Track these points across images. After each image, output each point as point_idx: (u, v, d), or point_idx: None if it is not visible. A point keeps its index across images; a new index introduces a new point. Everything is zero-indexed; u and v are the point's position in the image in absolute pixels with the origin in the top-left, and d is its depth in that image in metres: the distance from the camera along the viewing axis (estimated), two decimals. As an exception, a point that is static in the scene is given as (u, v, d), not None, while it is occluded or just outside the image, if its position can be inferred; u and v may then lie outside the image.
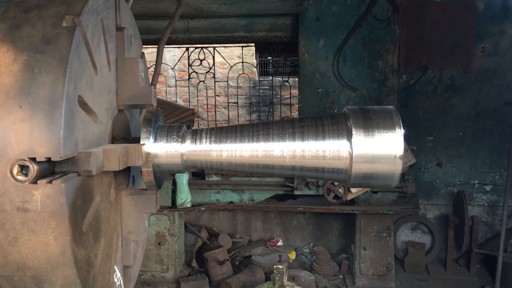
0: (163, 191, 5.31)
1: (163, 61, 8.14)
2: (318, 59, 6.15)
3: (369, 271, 5.35)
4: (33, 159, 1.26)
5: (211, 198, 5.47)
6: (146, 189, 1.83)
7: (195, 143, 1.79)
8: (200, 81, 6.95)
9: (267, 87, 8.48)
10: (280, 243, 6.42)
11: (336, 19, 6.05)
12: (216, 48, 7.30)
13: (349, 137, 1.70)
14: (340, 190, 4.99)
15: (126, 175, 1.91)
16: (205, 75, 6.90)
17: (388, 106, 1.78)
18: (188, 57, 6.85)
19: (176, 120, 5.67)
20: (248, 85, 8.40)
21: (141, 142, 1.71)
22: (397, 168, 1.69)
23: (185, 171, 1.86)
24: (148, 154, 1.71)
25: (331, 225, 6.46)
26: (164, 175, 1.95)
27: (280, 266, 4.59)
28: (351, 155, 1.70)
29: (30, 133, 1.26)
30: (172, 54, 8.30)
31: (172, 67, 7.22)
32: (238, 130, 1.80)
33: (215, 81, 6.92)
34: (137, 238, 1.82)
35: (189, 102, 7.27)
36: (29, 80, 1.29)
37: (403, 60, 5.94)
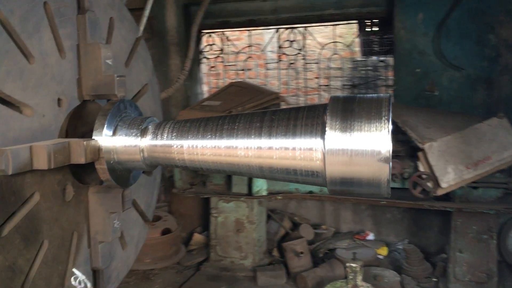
0: (240, 178, 5.20)
1: (260, 42, 8.01)
2: (416, 35, 5.51)
3: (465, 277, 4.70)
4: None
5: (289, 187, 5.22)
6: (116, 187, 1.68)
7: (156, 137, 1.59)
8: (291, 63, 6.68)
9: (370, 68, 7.90)
10: (370, 237, 5.97)
11: (437, -12, 5.36)
12: (313, 28, 6.96)
13: (323, 133, 1.37)
14: (428, 184, 4.41)
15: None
16: (295, 56, 6.60)
17: (382, 95, 1.40)
18: (278, 38, 6.60)
19: (258, 104, 5.49)
20: (350, 66, 7.89)
21: (93, 137, 1.56)
22: (383, 173, 1.32)
23: (149, 169, 1.67)
24: (99, 149, 1.55)
25: (430, 221, 5.82)
26: (139, 172, 1.79)
27: (354, 265, 4.24)
28: (324, 155, 1.36)
29: None
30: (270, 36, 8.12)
31: (269, 49, 7.03)
32: (203, 123, 1.56)
33: (305, 63, 6.59)
34: (105, 239, 1.69)
35: (280, 85, 7.03)
36: None
37: (519, 33, 5.06)
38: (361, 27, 7.81)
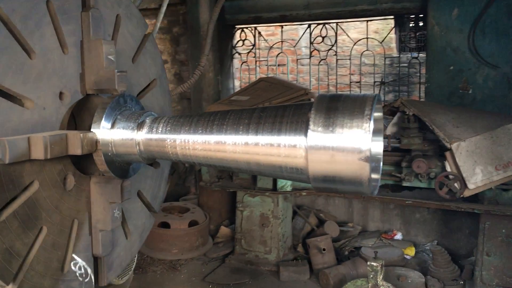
0: (265, 173, 5.23)
1: (295, 38, 7.99)
2: (451, 31, 5.36)
3: (493, 281, 4.57)
4: None
5: (315, 183, 5.20)
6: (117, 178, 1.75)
7: (152, 131, 1.64)
8: (322, 59, 6.63)
9: (405, 65, 7.75)
10: (398, 237, 5.88)
11: (473, -17, 5.19)
12: (349, 23, 6.90)
13: (306, 130, 1.38)
14: (455, 184, 4.30)
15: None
16: (327, 52, 6.55)
17: (368, 94, 1.40)
18: (310, 34, 6.57)
19: (286, 100, 5.50)
20: (385, 62, 7.77)
21: (91, 129, 1.63)
22: (363, 172, 1.32)
23: (147, 162, 1.73)
24: (97, 142, 1.62)
25: (461, 222, 5.67)
26: (139, 164, 1.85)
27: (375, 264, 4.19)
28: (306, 152, 1.38)
29: None
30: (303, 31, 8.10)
31: (304, 45, 7.02)
32: (195, 119, 1.61)
33: (337, 59, 6.53)
34: (105, 227, 1.76)
35: (310, 81, 7.00)
36: None
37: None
38: (398, 22, 7.67)
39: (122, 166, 1.74)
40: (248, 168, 1.52)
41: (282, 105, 1.51)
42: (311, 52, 6.64)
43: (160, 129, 1.62)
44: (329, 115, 1.36)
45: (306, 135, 1.37)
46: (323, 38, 6.41)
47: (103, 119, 1.63)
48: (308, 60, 7.03)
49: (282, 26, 6.83)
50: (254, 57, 6.99)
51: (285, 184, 5.16)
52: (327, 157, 1.35)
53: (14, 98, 1.45)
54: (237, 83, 7.39)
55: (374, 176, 1.51)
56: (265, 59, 7.18)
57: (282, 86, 5.89)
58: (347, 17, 6.22)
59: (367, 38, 6.36)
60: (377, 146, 1.58)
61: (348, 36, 6.62)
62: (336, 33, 6.40)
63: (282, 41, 6.86)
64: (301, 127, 1.40)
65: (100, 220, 1.77)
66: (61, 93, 1.62)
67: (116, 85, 1.68)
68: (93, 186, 1.76)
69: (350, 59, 6.55)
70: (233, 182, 5.66)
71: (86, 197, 1.75)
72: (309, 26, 6.55)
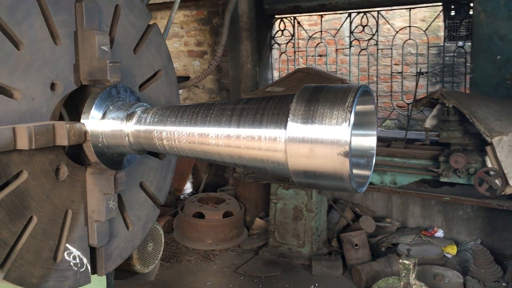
0: (297, 165, 5.14)
1: (337, 27, 7.80)
2: (498, 18, 5.04)
3: (538, 284, 4.30)
4: None
5: (349, 177, 5.07)
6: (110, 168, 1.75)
7: (140, 122, 1.62)
8: (362, 49, 6.42)
9: (453, 54, 7.39)
10: (439, 234, 5.64)
11: (524, -34, 4.85)
12: (394, 11, 6.65)
13: (286, 122, 1.31)
14: (496, 181, 4.06)
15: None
16: (367, 42, 6.34)
17: (352, 85, 1.31)
18: (350, 23, 6.37)
19: (322, 91, 5.37)
20: (429, 52, 7.44)
21: (81, 120, 1.62)
22: (343, 167, 1.24)
23: (138, 153, 1.71)
24: (86, 132, 1.61)
25: (506, 221, 5.36)
26: (134, 156, 1.83)
27: (407, 262, 4.04)
28: (285, 146, 1.31)
29: None
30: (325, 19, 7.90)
31: (347, 35, 6.82)
32: (181, 109, 1.57)
33: (377, 49, 6.30)
34: (99, 218, 1.76)
35: (349, 71, 6.80)
36: None
37: None
38: (446, 9, 7.31)
39: (115, 157, 1.73)
40: (232, 162, 1.46)
41: (267, 96, 1.44)
42: (351, 42, 6.46)
43: (148, 120, 1.60)
44: (310, 106, 1.29)
45: (285, 127, 1.30)
46: (363, 27, 6.21)
47: (93, 109, 1.62)
48: (351, 49, 6.85)
49: (321, 16, 6.68)
50: (294, 47, 6.88)
51: (318, 177, 5.05)
52: (306, 151, 1.28)
53: (2, 89, 1.46)
54: (276, 74, 7.31)
55: (360, 172, 1.42)
56: (304, 49, 7.05)
57: (319, 77, 5.76)
58: (388, 5, 5.99)
59: (409, 26, 6.10)
60: (368, 141, 1.48)
61: (390, 24, 6.37)
62: (377, 22, 6.18)
63: (322, 31, 6.71)
64: (282, 119, 1.33)
65: (95, 210, 1.77)
66: (53, 84, 1.63)
67: (108, 76, 1.67)
68: (88, 177, 1.76)
69: (391, 48, 6.31)
70: (267, 174, 5.61)
71: (81, 188, 1.76)
72: (349, 15, 6.36)
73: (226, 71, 7.08)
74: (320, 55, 8.29)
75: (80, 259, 1.79)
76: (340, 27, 6.77)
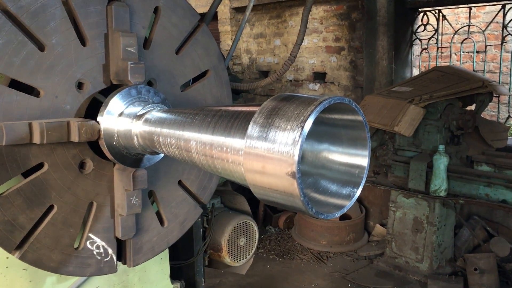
0: (417, 173, 4.70)
1: (473, 22, 6.88)
2: None
3: None
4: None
5: (478, 191, 4.47)
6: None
7: (147, 123, 1.62)
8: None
9: None
10: None
11: None
12: None
13: (245, 134, 1.19)
14: None
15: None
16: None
17: (326, 95, 1.13)
18: (504, 16, 5.56)
19: (451, 93, 4.82)
20: None
21: (97, 118, 1.69)
22: (292, 189, 1.08)
23: (150, 154, 1.72)
24: (99, 130, 1.68)
25: None
26: (156, 156, 1.85)
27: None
28: (243, 160, 1.20)
29: None
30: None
31: (483, 29, 5.98)
32: (177, 113, 1.53)
33: (502, 42, 5.37)
34: (122, 212, 1.83)
35: (500, 71, 5.91)
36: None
37: None
38: None
39: (132, 155, 1.77)
40: (210, 170, 1.38)
41: (247, 104, 1.33)
42: (503, 38, 5.65)
43: (153, 122, 1.60)
44: (269, 118, 1.15)
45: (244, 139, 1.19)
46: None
47: (108, 108, 1.68)
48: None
49: (470, 8, 5.96)
50: (436, 43, 6.28)
51: (439, 188, 4.56)
52: (259, 167, 1.14)
53: (25, 88, 1.60)
54: (416, 72, 6.77)
55: (337, 201, 1.23)
56: (453, 45, 6.38)
57: (458, 76, 5.17)
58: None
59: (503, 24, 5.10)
60: (358, 162, 1.27)
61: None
62: (504, 14, 5.30)
63: (469, 25, 6.00)
64: (245, 129, 1.21)
65: (120, 205, 1.85)
66: (80, 83, 1.73)
67: (129, 76, 1.72)
68: (115, 172, 1.84)
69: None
70: (387, 179, 5.26)
71: (108, 182, 1.85)
72: (503, 7, 5.56)
73: (361, 68, 6.78)
74: (478, 52, 7.44)
75: (105, 249, 1.89)
76: (491, 21, 5.96)
